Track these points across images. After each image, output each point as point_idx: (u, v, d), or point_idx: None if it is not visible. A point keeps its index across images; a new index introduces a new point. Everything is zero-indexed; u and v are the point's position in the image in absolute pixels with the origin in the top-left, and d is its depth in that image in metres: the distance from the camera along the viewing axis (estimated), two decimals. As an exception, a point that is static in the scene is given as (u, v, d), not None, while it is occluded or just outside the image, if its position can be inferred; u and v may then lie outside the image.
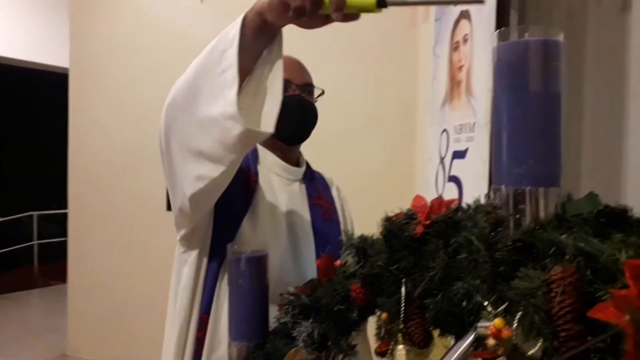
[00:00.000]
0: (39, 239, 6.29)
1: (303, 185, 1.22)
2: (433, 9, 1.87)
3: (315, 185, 1.26)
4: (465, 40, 1.59)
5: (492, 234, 0.50)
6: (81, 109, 3.14)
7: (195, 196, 0.90)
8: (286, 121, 1.15)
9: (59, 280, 5.07)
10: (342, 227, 1.27)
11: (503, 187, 0.53)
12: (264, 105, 0.83)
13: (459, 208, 0.61)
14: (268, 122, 0.82)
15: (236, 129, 0.77)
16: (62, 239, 3.94)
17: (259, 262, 0.82)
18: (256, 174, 1.12)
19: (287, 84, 1.16)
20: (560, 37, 0.52)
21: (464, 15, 1.60)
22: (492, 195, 0.55)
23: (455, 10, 1.66)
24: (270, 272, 1.05)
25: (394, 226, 0.62)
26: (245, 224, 1.06)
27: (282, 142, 1.19)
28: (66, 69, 3.20)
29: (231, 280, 0.83)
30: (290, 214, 1.15)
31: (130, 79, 2.94)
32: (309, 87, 1.20)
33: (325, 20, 0.75)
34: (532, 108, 0.51)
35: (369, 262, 0.65)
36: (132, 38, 2.93)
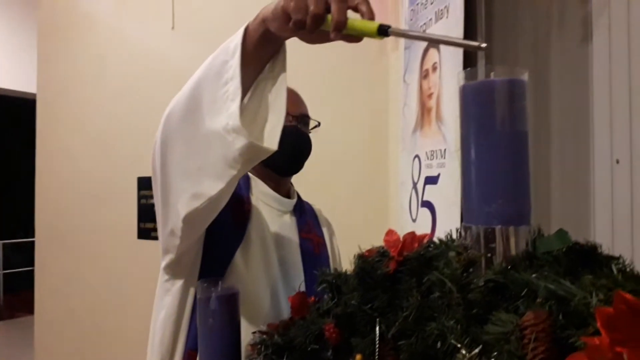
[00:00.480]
0: (4, 268, 6.07)
1: (294, 218, 1.21)
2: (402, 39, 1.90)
3: (306, 218, 1.24)
4: (434, 68, 1.62)
5: (464, 274, 0.49)
6: (49, 135, 3.07)
7: (190, 216, 0.86)
8: (281, 151, 1.14)
9: (25, 311, 4.89)
10: (330, 261, 1.26)
11: (473, 226, 0.53)
12: (266, 121, 0.80)
13: (430, 243, 0.61)
14: (272, 140, 0.79)
15: (239, 142, 0.74)
16: (30, 268, 3.80)
17: (230, 301, 0.80)
18: (249, 203, 1.11)
19: None
20: (525, 77, 0.53)
21: (432, 44, 1.63)
22: (463, 233, 0.55)
23: (424, 39, 1.69)
24: (262, 305, 1.03)
25: (366, 264, 0.62)
26: (238, 254, 1.04)
27: (276, 172, 1.17)
28: (34, 95, 3.14)
29: (201, 320, 0.80)
30: (281, 247, 1.13)
31: (99, 105, 2.89)
32: (305, 118, 1.19)
33: (328, 37, 0.73)
34: (499, 148, 0.52)
35: (342, 301, 0.64)
36: (101, 64, 2.89)
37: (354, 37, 0.69)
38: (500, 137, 0.51)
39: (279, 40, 0.78)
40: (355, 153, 2.27)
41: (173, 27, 2.66)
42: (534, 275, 0.46)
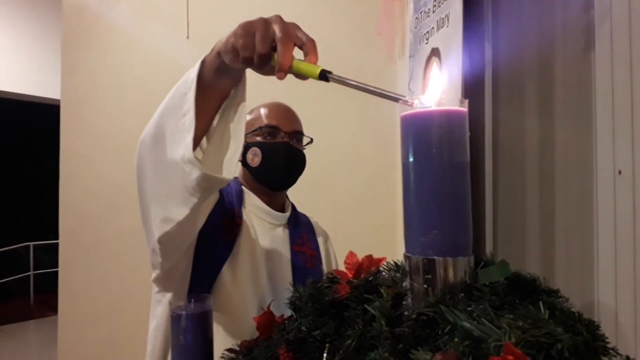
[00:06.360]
0: (35, 269, 6.25)
1: (287, 231, 1.21)
2: (407, 45, 1.89)
3: (300, 231, 1.25)
4: (436, 77, 1.60)
5: (394, 308, 0.49)
6: (72, 141, 3.15)
7: (163, 239, 0.89)
8: (272, 168, 1.16)
9: (54, 311, 5.02)
10: (324, 268, 1.26)
11: (412, 256, 0.53)
12: (228, 149, 0.82)
13: (378, 271, 0.61)
14: (229, 169, 0.81)
15: (194, 174, 0.76)
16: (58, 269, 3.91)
17: (201, 318, 0.80)
18: (241, 217, 1.12)
19: (275, 130, 1.17)
20: (465, 106, 0.52)
21: (435, 53, 1.61)
22: (404, 263, 0.55)
23: (427, 47, 1.67)
24: (249, 319, 1.03)
25: (316, 290, 0.62)
26: (226, 268, 1.05)
27: (268, 187, 1.19)
28: (59, 101, 3.23)
29: (173, 337, 0.81)
30: (271, 260, 1.14)
31: (119, 113, 2.96)
32: (297, 134, 1.20)
33: None
34: (436, 178, 0.51)
35: (295, 326, 0.64)
36: (121, 73, 2.95)
37: (301, 75, 0.69)
38: (437, 168, 0.51)
39: (236, 70, 0.78)
40: (363, 161, 2.26)
41: (188, 37, 2.70)
42: (459, 311, 0.45)
